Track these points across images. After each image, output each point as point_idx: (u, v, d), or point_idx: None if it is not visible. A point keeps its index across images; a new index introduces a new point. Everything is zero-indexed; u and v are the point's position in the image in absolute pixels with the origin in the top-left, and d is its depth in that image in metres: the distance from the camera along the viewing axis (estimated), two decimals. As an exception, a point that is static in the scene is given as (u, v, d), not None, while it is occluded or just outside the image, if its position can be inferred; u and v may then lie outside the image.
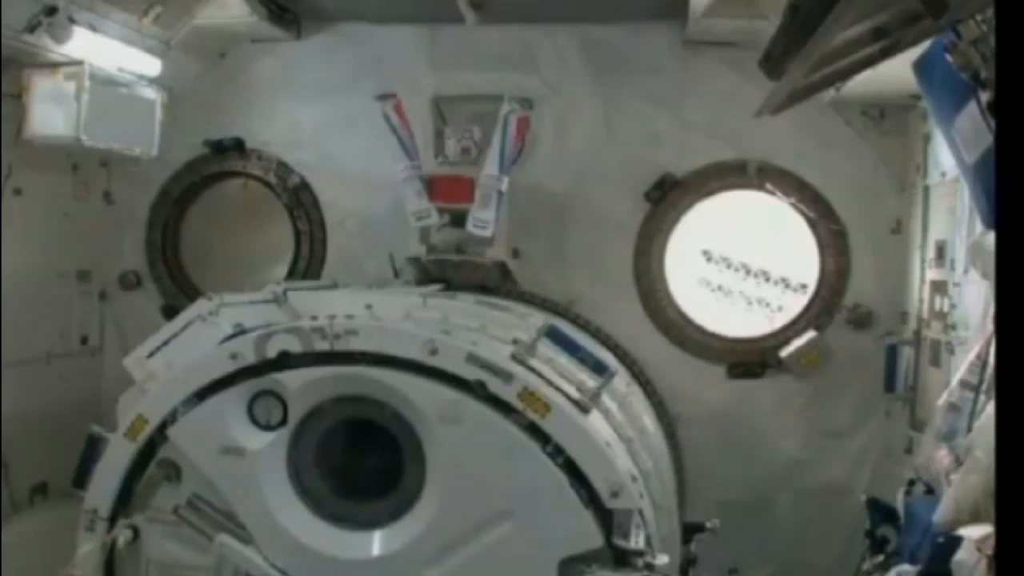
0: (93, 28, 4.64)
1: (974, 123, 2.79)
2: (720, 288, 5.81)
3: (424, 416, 3.36)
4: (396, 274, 5.61)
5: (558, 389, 3.43)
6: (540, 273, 5.88)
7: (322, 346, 3.45)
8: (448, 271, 5.48)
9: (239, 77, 6.03)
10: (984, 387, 3.61)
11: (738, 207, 5.79)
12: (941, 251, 4.85)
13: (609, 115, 5.87)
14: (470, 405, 3.32)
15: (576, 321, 5.67)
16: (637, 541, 3.27)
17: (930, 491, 4.01)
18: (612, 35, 5.86)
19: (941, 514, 3.30)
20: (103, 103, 4.87)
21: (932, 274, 5.00)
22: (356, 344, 3.43)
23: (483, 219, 5.28)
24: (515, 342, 3.63)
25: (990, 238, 3.46)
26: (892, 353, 5.43)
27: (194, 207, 6.18)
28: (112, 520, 3.59)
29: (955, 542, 3.04)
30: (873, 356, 5.55)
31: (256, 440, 3.49)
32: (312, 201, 6.02)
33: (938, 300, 4.86)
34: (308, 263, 6.00)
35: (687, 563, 4.51)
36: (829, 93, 4.71)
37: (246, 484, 3.47)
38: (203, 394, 3.53)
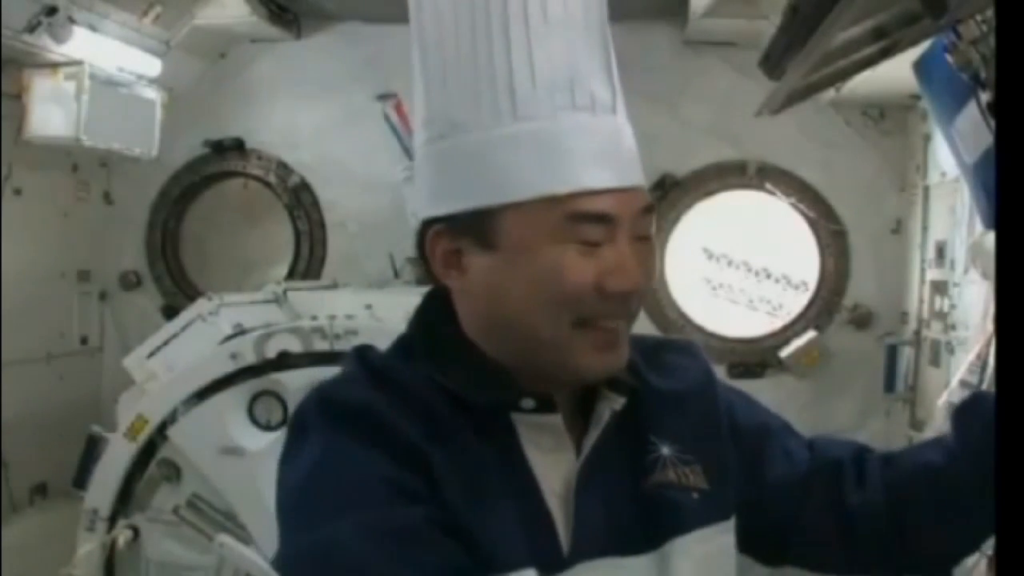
0: (93, 28, 4.63)
1: (974, 123, 2.78)
2: (721, 286, 5.80)
3: (424, 416, 3.34)
4: (396, 274, 5.61)
5: (558, 389, 3.42)
6: (540, 273, 5.86)
7: (322, 346, 3.45)
8: (448, 271, 5.46)
9: (239, 77, 6.02)
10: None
11: (738, 206, 5.78)
12: (941, 251, 4.84)
13: (609, 115, 5.85)
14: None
15: (576, 321, 5.65)
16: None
17: (930, 491, 4.01)
18: (612, 35, 5.82)
19: (941, 514, 3.30)
20: (103, 103, 4.86)
21: (932, 274, 4.99)
22: (356, 344, 3.42)
23: (483, 219, 5.26)
24: (515, 342, 3.62)
25: (990, 238, 3.46)
26: (892, 353, 5.42)
27: (194, 207, 6.16)
28: (112, 520, 3.59)
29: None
30: (873, 356, 5.53)
31: (256, 440, 3.49)
32: (312, 201, 6.01)
33: (938, 300, 4.85)
34: (308, 263, 5.99)
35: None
36: (829, 93, 4.69)
37: (246, 484, 3.46)
38: (203, 394, 3.53)
